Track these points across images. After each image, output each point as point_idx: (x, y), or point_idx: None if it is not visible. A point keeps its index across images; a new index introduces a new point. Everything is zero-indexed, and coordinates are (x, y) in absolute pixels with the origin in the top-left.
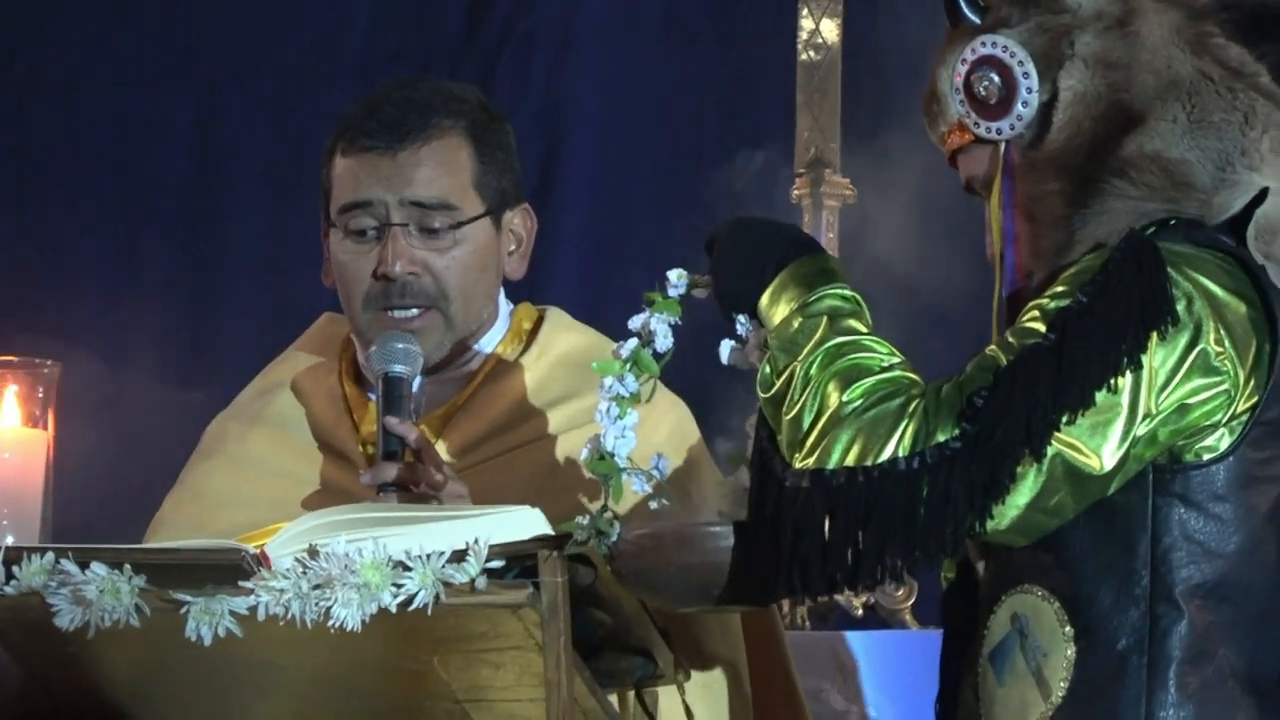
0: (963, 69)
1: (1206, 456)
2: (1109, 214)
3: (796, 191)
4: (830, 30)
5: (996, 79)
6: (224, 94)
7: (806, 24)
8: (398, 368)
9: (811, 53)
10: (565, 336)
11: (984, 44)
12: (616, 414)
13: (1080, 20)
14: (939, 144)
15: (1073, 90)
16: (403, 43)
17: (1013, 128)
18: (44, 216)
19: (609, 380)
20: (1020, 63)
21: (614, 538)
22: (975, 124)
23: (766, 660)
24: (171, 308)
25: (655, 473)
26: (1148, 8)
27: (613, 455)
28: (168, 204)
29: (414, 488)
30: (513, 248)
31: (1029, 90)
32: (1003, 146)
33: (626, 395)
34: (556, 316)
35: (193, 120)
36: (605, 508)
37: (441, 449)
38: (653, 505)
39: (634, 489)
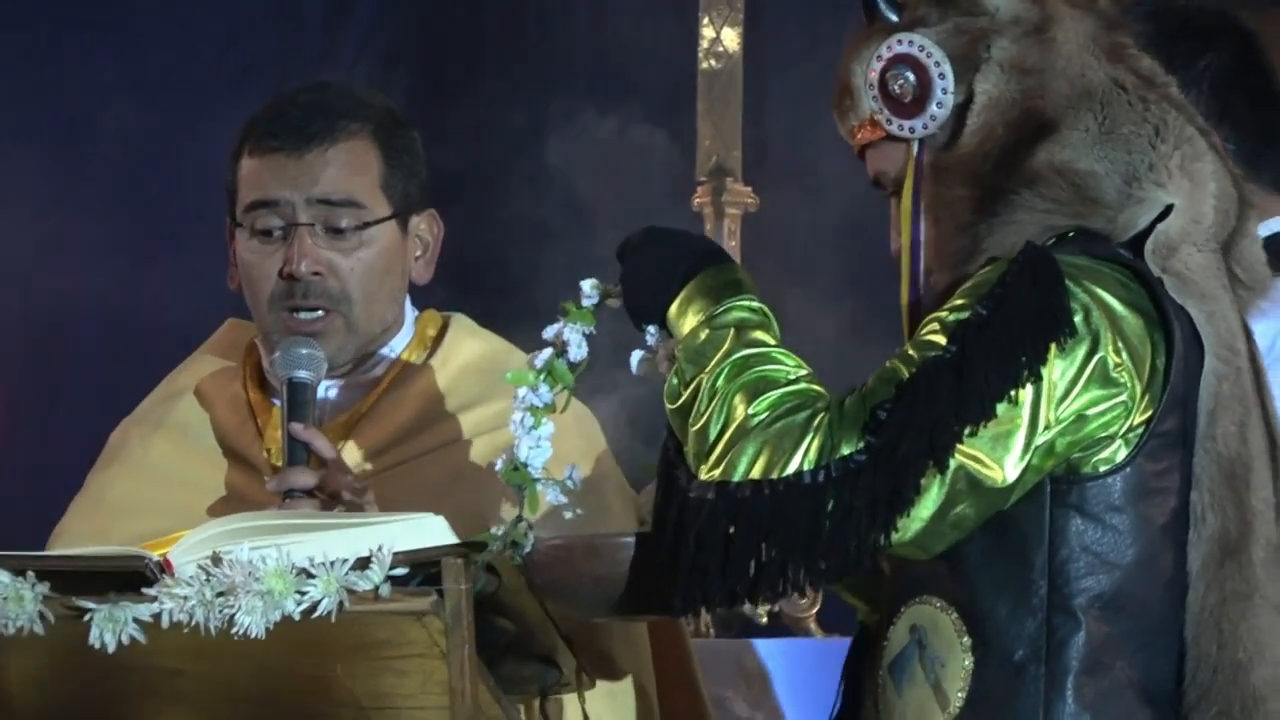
0: (878, 66)
1: (1103, 468)
2: (1015, 225)
3: (698, 200)
4: (731, 39)
5: (911, 78)
6: (80, 109)
7: (707, 33)
8: (302, 373)
9: (712, 61)
10: (470, 343)
11: (900, 42)
12: (530, 424)
13: (998, 24)
14: (848, 138)
15: (987, 95)
16: (258, 57)
17: (925, 127)
18: None
19: (523, 390)
20: (937, 63)
21: (528, 548)
22: (888, 121)
23: (672, 668)
24: (35, 324)
25: (569, 483)
26: (1065, 14)
27: (527, 466)
28: (24, 218)
29: (319, 494)
30: (419, 253)
31: (944, 91)
32: (915, 147)
33: (540, 405)
34: (461, 323)
35: (48, 138)
36: (520, 518)
37: (346, 456)
38: (567, 515)
39: (548, 500)
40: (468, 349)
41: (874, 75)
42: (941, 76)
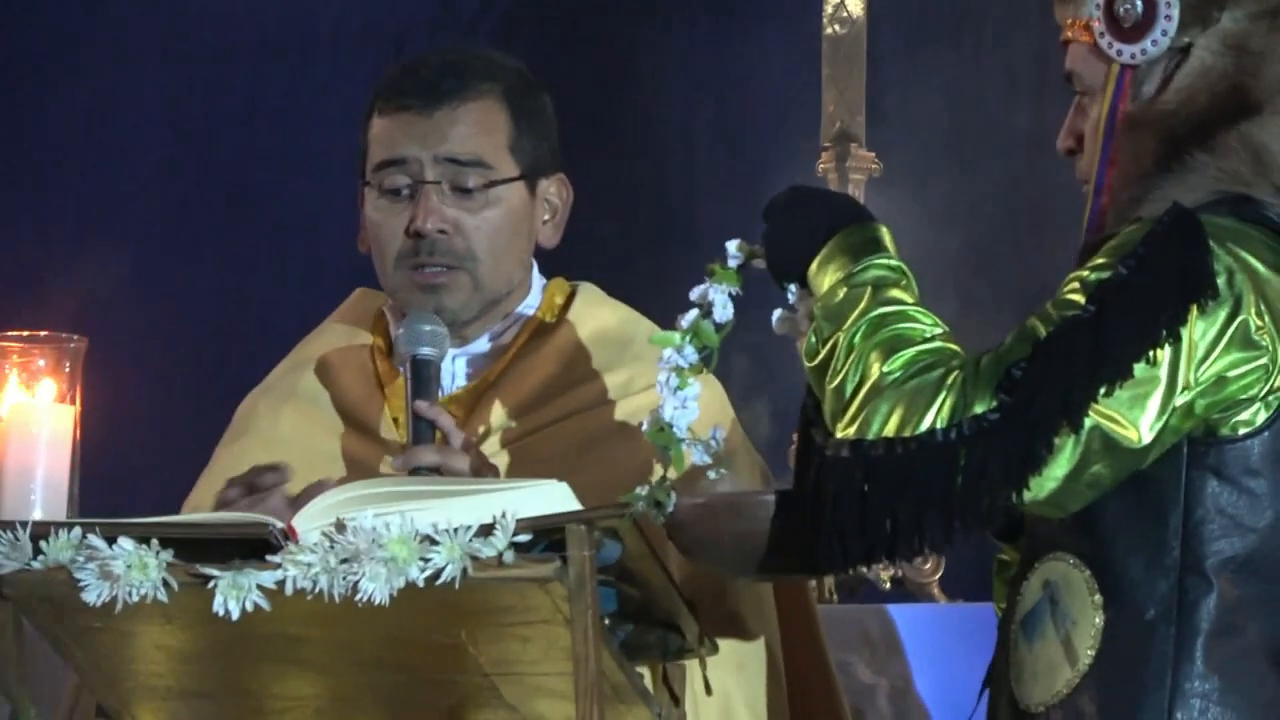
0: None
1: (1242, 431)
2: (1186, 186)
3: (822, 165)
4: (855, 4)
5: (1139, 6)
6: (200, 68)
7: None
8: (425, 350)
9: (836, 26)
10: (598, 311)
11: None
12: (676, 385)
13: None
14: (1059, 21)
15: (1201, 60)
16: (378, 15)
17: (1134, 57)
18: (63, 196)
19: (668, 351)
20: (1168, 2)
21: (670, 508)
22: (1100, 34)
23: (797, 632)
24: (149, 286)
25: (713, 443)
26: None
27: (671, 426)
28: (144, 179)
29: (444, 472)
30: (547, 216)
31: (1164, 32)
32: (1116, 70)
33: (686, 366)
34: (589, 291)
35: (169, 95)
36: (664, 479)
37: (474, 424)
38: (711, 475)
39: (693, 460)
40: (597, 316)
41: None
42: (1168, 18)
